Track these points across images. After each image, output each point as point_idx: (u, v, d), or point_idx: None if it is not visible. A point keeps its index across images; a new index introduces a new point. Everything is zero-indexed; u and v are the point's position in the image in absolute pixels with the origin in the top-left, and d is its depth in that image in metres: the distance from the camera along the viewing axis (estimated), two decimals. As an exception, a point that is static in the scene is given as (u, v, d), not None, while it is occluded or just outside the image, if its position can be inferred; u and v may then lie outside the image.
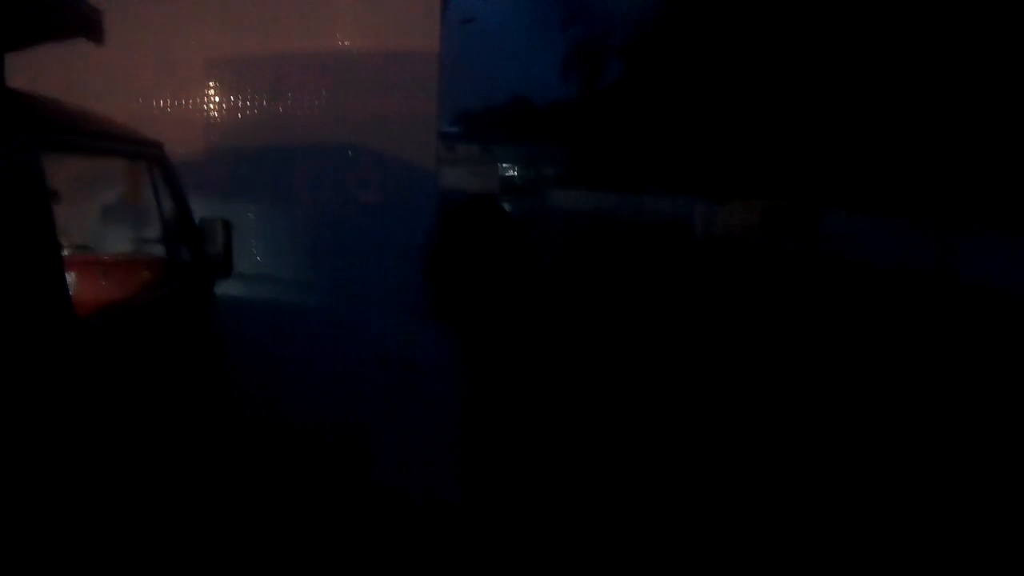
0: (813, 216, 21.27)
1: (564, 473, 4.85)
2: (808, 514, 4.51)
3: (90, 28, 3.17)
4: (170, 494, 3.20)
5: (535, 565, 3.83)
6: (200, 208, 4.03)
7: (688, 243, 23.62)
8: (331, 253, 5.36)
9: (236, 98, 5.29)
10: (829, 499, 4.71)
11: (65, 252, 3.72)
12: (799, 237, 21.00)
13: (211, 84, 5.29)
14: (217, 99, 5.29)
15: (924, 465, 5.34)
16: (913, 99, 18.76)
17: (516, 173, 58.10)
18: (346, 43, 5.27)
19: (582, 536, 4.13)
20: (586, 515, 4.31)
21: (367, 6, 5.31)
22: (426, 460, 4.84)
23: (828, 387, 7.35)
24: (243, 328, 4.82)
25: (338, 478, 4.70)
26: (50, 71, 3.63)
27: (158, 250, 3.85)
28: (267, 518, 4.08)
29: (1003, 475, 5.14)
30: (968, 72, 17.37)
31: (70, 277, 2.95)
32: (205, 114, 5.30)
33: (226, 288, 4.44)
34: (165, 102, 5.28)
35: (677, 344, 9.16)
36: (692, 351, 8.80)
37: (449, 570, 3.77)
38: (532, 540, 4.03)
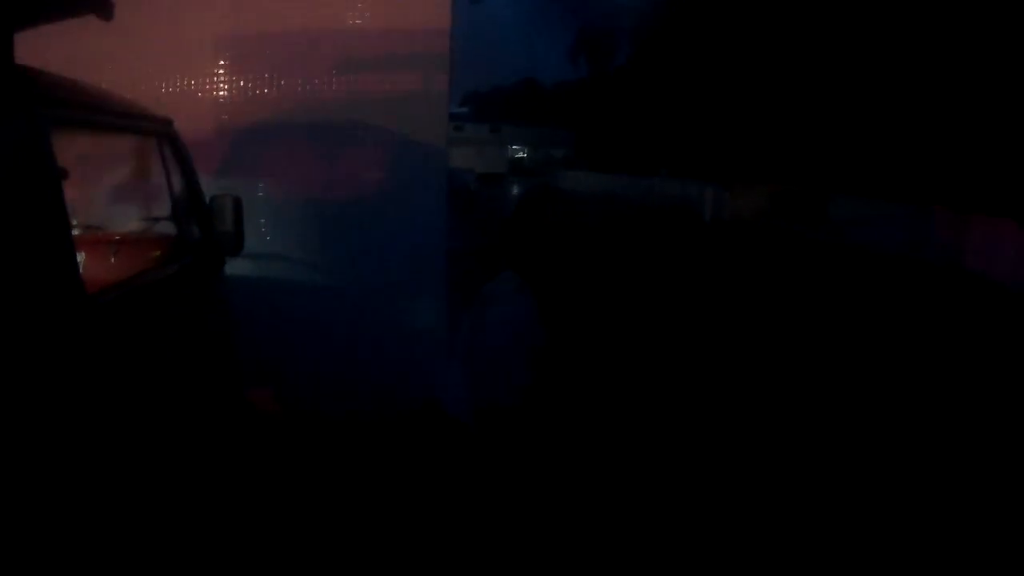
0: (821, 201, 21.23)
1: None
2: (813, 495, 4.52)
3: (99, 5, 3.15)
4: (179, 471, 3.21)
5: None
6: (210, 186, 4.02)
7: (696, 226, 23.61)
8: (341, 232, 5.33)
9: (246, 76, 5.26)
10: (837, 482, 4.72)
11: (76, 231, 3.72)
12: (807, 222, 20.98)
13: (220, 63, 5.25)
14: (226, 78, 5.25)
15: (925, 447, 5.34)
16: (923, 88, 18.65)
17: (525, 154, 57.96)
18: (356, 21, 5.23)
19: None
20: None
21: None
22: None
23: (833, 369, 7.36)
24: (252, 305, 4.81)
25: (343, 454, 4.72)
26: (60, 49, 3.61)
27: (168, 228, 3.84)
28: (275, 496, 4.09)
29: (1004, 461, 5.14)
30: (975, 64, 17.26)
31: (81, 255, 2.94)
32: (214, 93, 5.26)
33: (236, 266, 4.44)
34: (174, 80, 5.25)
35: (684, 325, 9.17)
36: (699, 332, 8.81)
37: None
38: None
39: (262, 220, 5.20)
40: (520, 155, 57.20)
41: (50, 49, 3.33)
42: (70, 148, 2.97)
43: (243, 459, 4.23)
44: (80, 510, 2.30)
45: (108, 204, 4.43)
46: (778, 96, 24.38)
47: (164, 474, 3.01)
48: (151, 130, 3.57)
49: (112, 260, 3.69)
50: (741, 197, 24.58)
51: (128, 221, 4.18)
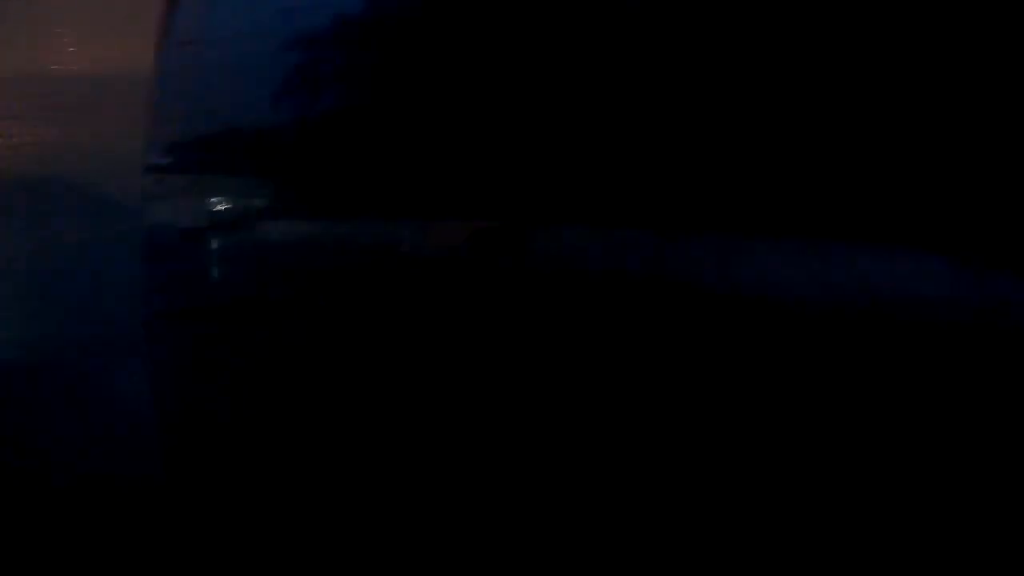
0: (524, 234, 22.66)
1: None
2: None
3: None
4: None
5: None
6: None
7: (391, 268, 24.21)
8: (30, 299, 5.25)
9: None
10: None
11: None
12: (509, 255, 22.25)
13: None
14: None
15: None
16: (613, 104, 20.41)
17: (229, 205, 56.56)
18: (56, 66, 5.28)
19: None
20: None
21: (83, 30, 5.33)
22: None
23: (538, 400, 8.16)
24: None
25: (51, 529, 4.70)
26: None
27: None
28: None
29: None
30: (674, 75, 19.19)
31: None
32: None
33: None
34: None
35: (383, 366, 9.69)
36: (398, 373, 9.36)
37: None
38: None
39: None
40: (223, 206, 55.67)
41: None
42: None
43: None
44: None
45: None
46: (471, 129, 25.62)
47: None
48: None
49: None
50: (437, 235, 25.60)
51: None
